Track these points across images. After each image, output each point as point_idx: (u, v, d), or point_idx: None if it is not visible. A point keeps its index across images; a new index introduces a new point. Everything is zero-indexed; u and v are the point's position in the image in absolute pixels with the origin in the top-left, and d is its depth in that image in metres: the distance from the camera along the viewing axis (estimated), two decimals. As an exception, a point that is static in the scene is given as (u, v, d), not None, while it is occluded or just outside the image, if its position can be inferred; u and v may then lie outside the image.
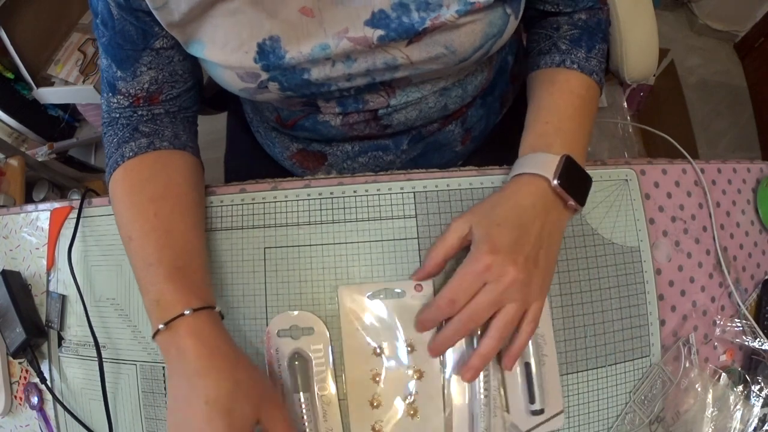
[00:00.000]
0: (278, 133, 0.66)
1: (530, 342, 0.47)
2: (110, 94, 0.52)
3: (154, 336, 0.42)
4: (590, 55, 0.53)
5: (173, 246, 0.46)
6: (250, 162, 0.77)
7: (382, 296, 0.50)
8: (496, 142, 0.71)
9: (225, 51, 0.46)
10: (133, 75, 0.50)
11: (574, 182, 0.47)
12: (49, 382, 0.53)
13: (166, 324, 0.42)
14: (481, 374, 0.46)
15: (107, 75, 0.51)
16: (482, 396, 0.46)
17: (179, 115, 0.56)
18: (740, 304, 0.54)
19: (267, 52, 0.46)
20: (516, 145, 0.51)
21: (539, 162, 0.47)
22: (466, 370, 0.44)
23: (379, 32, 0.44)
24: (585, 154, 0.51)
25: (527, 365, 0.47)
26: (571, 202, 0.47)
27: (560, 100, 0.51)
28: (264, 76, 0.48)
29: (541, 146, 0.48)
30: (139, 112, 0.53)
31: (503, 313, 0.43)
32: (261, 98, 0.51)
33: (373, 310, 0.49)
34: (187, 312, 0.42)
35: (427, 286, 0.49)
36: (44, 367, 0.54)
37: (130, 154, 0.50)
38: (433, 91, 0.54)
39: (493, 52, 0.51)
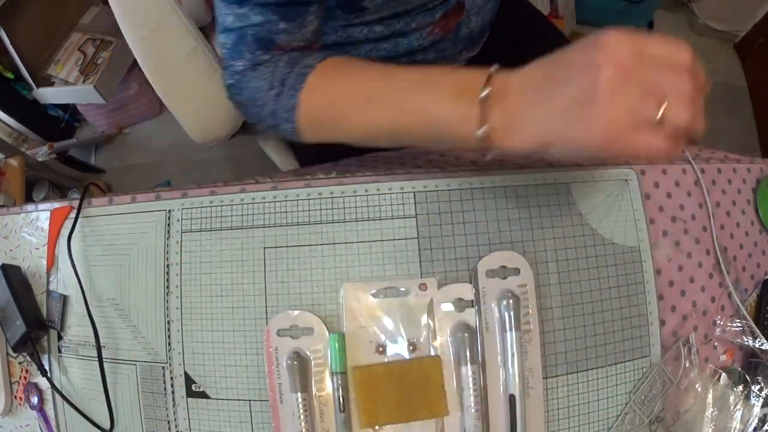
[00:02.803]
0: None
1: (517, 374, 0.47)
2: (260, 52, 0.49)
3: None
4: None
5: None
6: None
7: (384, 294, 0.50)
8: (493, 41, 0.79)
9: None
10: (300, 25, 0.49)
11: None
12: (49, 374, 0.53)
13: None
14: (471, 387, 0.47)
15: (262, 31, 0.48)
16: (474, 410, 0.46)
17: None
18: (740, 304, 0.54)
19: None
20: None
21: None
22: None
23: None
24: None
25: (512, 398, 0.47)
26: None
27: None
28: None
29: None
30: (284, 58, 0.50)
31: None
32: None
33: (376, 308, 0.49)
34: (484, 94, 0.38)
35: (432, 286, 0.49)
36: (44, 362, 0.54)
37: (313, 62, 0.48)
38: None
39: None
